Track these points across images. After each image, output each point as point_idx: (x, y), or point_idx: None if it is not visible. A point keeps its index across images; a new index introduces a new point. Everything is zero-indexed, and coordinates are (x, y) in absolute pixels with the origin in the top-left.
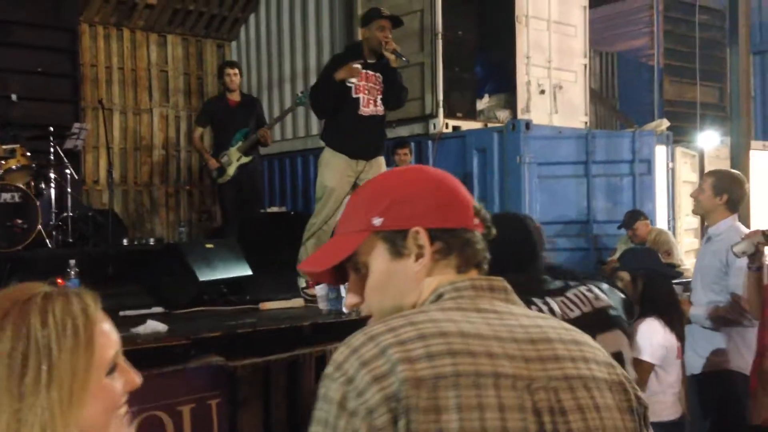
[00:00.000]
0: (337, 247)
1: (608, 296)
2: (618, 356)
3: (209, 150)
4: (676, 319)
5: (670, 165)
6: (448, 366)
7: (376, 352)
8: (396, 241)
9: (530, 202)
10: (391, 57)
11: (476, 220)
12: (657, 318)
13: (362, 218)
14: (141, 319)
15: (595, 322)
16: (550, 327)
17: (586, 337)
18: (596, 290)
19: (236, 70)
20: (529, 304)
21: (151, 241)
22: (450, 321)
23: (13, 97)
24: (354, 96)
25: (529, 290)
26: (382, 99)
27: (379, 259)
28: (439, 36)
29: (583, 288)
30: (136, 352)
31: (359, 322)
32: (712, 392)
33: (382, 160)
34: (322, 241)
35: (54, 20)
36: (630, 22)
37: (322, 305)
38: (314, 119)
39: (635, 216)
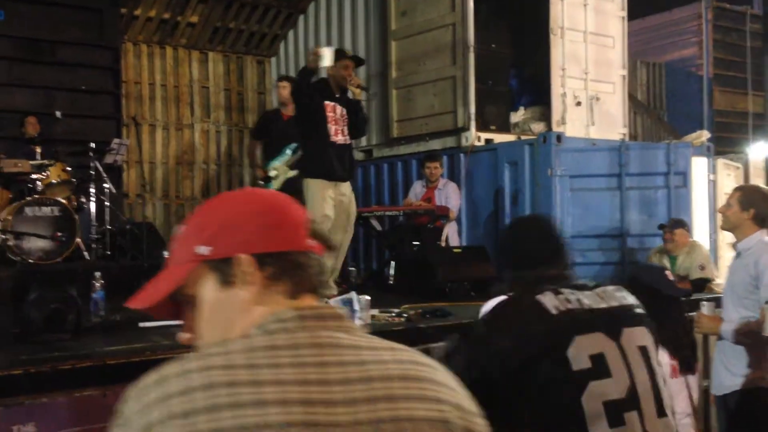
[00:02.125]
0: (164, 280)
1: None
2: (643, 350)
3: (260, 162)
4: (670, 339)
5: (711, 177)
6: (228, 419)
7: (157, 397)
8: (224, 270)
9: (562, 215)
10: (356, 90)
11: (311, 241)
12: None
13: (189, 248)
14: (159, 330)
15: (621, 316)
16: (376, 363)
17: (420, 371)
18: (624, 291)
19: (285, 83)
20: (557, 293)
21: None
22: (249, 367)
23: (58, 114)
24: (326, 125)
25: (559, 282)
26: (348, 129)
27: (207, 290)
28: (471, 49)
29: (611, 286)
30: (145, 363)
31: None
32: (746, 410)
33: (347, 184)
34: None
35: (97, 39)
36: (678, 31)
37: None
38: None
39: (679, 223)
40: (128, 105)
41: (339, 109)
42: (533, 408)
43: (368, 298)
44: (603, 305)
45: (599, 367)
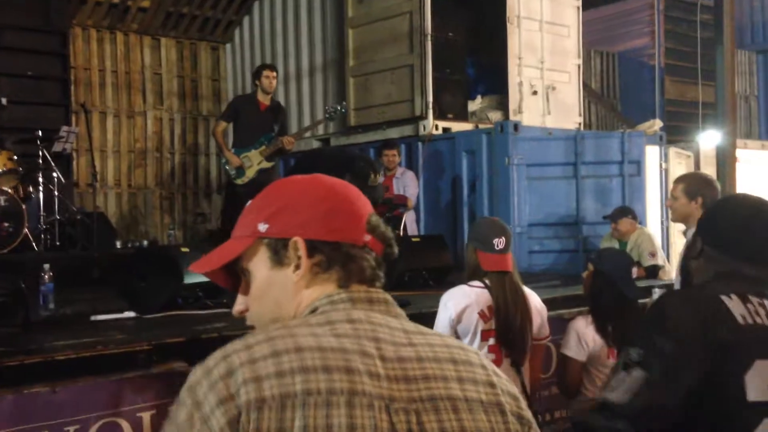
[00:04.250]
0: (224, 250)
1: None
2: None
3: (229, 147)
4: (618, 327)
5: (664, 165)
6: (299, 384)
7: (224, 373)
8: (278, 249)
9: (519, 204)
10: None
11: (368, 236)
12: (592, 318)
13: (251, 223)
14: (111, 324)
15: None
16: (426, 345)
17: (468, 356)
18: None
19: (274, 73)
20: (745, 300)
21: (144, 243)
22: (311, 335)
23: (3, 100)
24: None
25: (749, 284)
26: None
27: (260, 266)
28: (429, 37)
29: None
30: (98, 358)
31: None
32: None
33: None
34: None
35: (44, 24)
36: (631, 21)
37: None
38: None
39: (624, 212)
40: (77, 92)
41: None
42: None
43: None
44: None
45: None
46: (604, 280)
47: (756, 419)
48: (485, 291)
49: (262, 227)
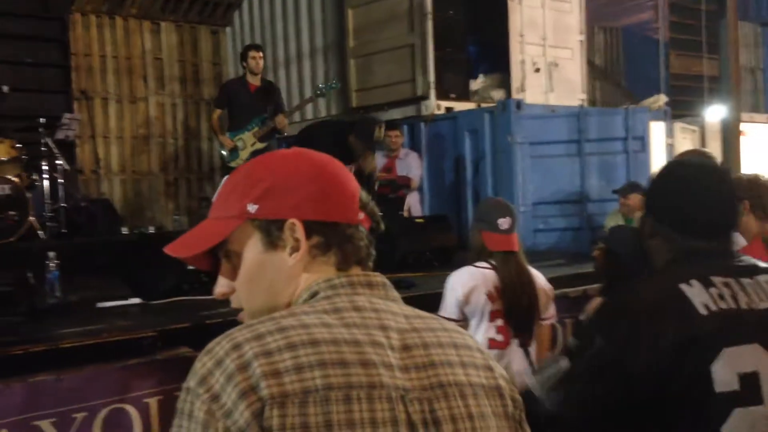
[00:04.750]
0: (208, 231)
1: None
2: None
3: (224, 132)
4: None
5: (669, 141)
6: (318, 379)
7: (240, 364)
8: (271, 231)
9: (523, 183)
10: (366, 169)
11: (362, 214)
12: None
13: (237, 203)
14: (116, 311)
15: None
16: (428, 330)
17: (466, 340)
18: None
19: (260, 53)
20: (708, 284)
21: (151, 230)
22: (323, 326)
23: (5, 88)
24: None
25: (712, 263)
26: None
27: (252, 249)
28: (429, 16)
29: None
30: (103, 345)
31: None
32: None
33: None
34: None
35: (43, 10)
36: None
37: None
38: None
39: (634, 187)
40: (78, 78)
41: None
42: None
43: None
44: (765, 304)
45: (750, 390)
46: (616, 258)
47: (725, 411)
48: (492, 271)
49: (252, 208)
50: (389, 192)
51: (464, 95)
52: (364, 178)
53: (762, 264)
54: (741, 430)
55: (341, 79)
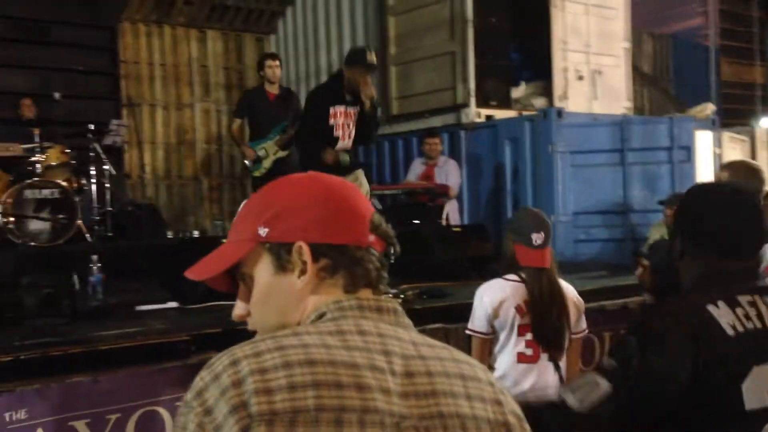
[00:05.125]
0: (223, 254)
1: None
2: None
3: (246, 142)
4: None
5: (717, 151)
6: (310, 399)
7: (236, 379)
8: (281, 254)
9: (563, 192)
10: (367, 102)
11: (372, 237)
12: None
13: (250, 227)
14: (154, 314)
15: None
16: (436, 358)
17: (476, 372)
18: None
19: (277, 62)
20: (734, 305)
21: (195, 234)
22: (323, 347)
23: (56, 95)
24: (334, 135)
25: (738, 283)
26: (355, 134)
27: (263, 271)
28: (470, 24)
29: None
30: (137, 349)
31: None
32: None
33: (359, 172)
34: None
35: (93, 19)
36: (684, 1)
37: None
38: None
39: (679, 198)
40: (127, 85)
41: (350, 112)
42: None
43: None
44: None
45: None
46: (659, 275)
47: (756, 428)
48: (521, 285)
49: (263, 231)
50: (427, 200)
51: (506, 103)
52: (368, 109)
53: None
54: None
55: (383, 86)
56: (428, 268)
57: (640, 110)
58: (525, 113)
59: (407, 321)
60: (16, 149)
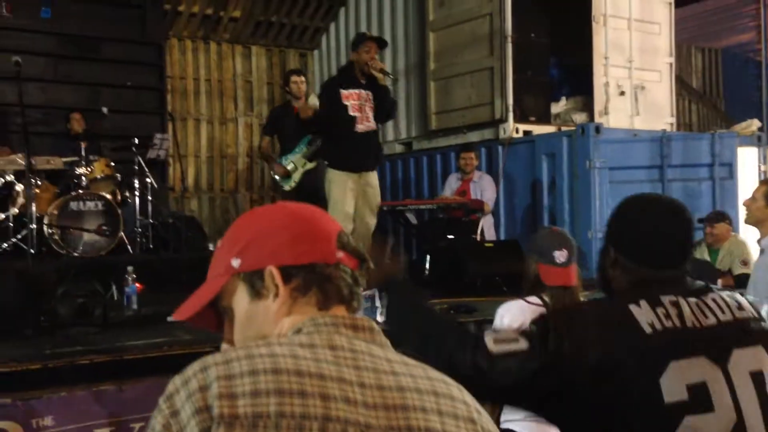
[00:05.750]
0: (201, 292)
1: (753, 307)
2: (757, 377)
3: (277, 158)
4: None
5: (763, 168)
6: (272, 405)
7: (202, 385)
8: (254, 281)
9: (601, 208)
10: (379, 75)
11: (340, 253)
12: None
13: (224, 261)
14: (183, 325)
15: (733, 333)
16: (408, 375)
17: (451, 390)
18: (740, 298)
19: (302, 78)
20: (656, 304)
21: None
22: (291, 357)
23: (104, 110)
24: (350, 115)
25: (665, 287)
26: (373, 115)
27: (241, 301)
28: (509, 39)
29: (726, 293)
30: (162, 359)
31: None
32: None
33: (372, 174)
34: None
35: (141, 36)
36: (734, 16)
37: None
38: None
39: (720, 216)
40: (173, 100)
41: (364, 94)
42: None
43: None
44: (710, 321)
45: (699, 399)
46: None
47: (676, 420)
48: (542, 309)
49: (235, 263)
50: (462, 215)
51: (545, 118)
52: (381, 83)
53: (713, 286)
54: None
55: (423, 100)
56: (460, 283)
57: (687, 126)
58: (565, 128)
59: (383, 339)
60: (56, 162)
